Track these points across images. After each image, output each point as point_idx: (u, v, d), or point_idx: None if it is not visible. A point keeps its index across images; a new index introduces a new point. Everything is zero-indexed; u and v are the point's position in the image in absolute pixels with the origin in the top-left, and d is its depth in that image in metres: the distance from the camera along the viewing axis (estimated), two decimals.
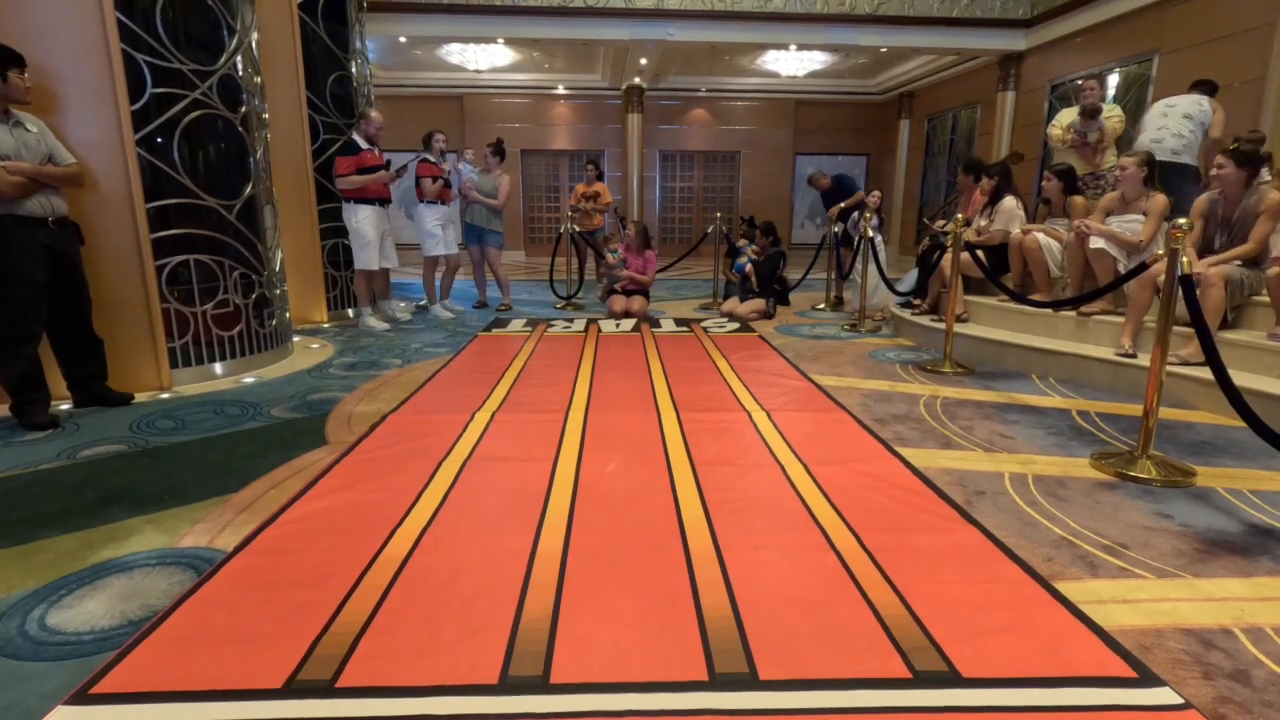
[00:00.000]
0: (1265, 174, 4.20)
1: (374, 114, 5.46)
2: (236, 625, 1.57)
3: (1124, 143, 5.84)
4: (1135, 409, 3.20)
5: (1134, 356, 3.71)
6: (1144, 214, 3.97)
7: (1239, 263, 3.55)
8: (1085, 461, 2.66)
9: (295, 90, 5.30)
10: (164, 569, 1.84)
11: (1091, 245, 4.04)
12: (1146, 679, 1.39)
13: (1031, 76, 9.10)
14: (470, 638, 1.52)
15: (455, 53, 10.35)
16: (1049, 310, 4.22)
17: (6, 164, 2.88)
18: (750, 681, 1.38)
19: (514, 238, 11.85)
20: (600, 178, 8.15)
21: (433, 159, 6.00)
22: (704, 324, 5.84)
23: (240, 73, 3.93)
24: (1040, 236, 4.56)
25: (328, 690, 1.35)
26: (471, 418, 3.15)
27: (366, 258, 5.39)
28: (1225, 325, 3.56)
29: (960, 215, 4.49)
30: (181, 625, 1.56)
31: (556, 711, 1.30)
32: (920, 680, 1.38)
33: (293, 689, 1.35)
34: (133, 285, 3.48)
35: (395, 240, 5.80)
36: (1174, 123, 4.84)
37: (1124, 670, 1.42)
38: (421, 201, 6.00)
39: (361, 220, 5.30)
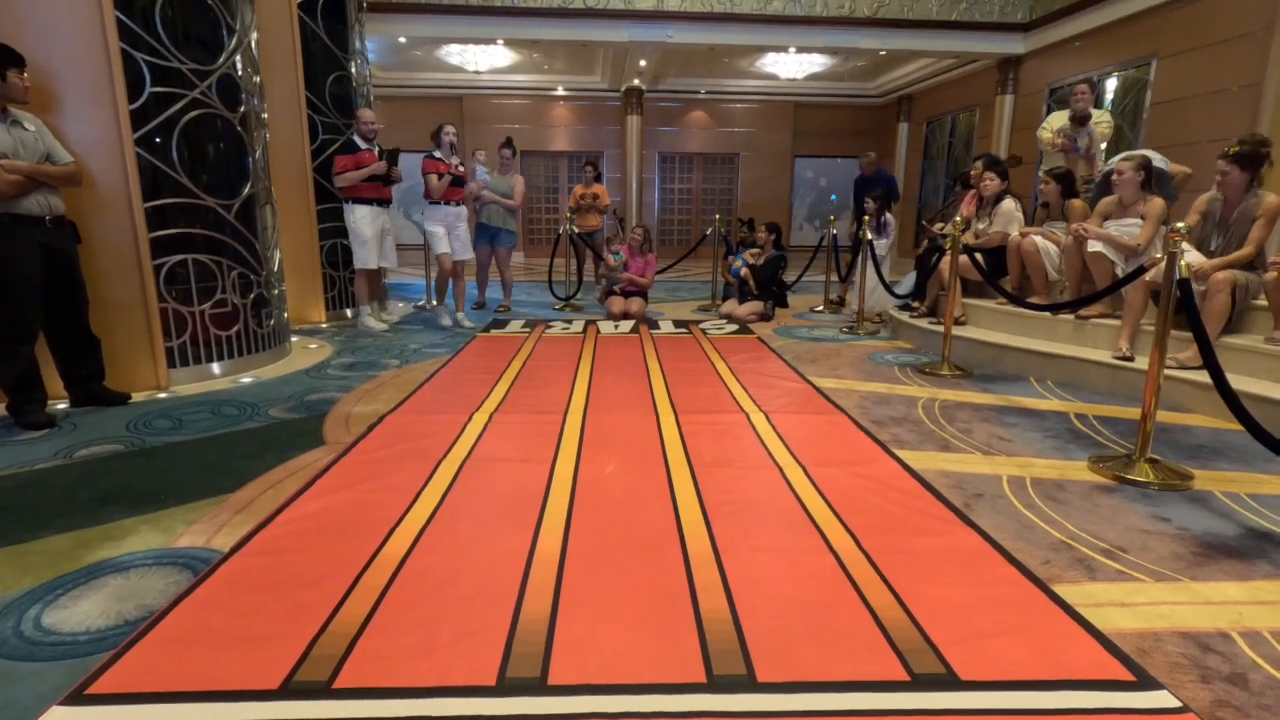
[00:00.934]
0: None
1: (364, 111, 5.45)
2: (233, 626, 1.56)
3: (1123, 146, 5.87)
4: (1133, 412, 3.21)
5: (1131, 359, 3.71)
6: (1141, 218, 3.98)
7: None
8: (1083, 464, 2.66)
9: (295, 90, 5.30)
10: (160, 569, 1.84)
11: (1089, 249, 4.05)
12: (1144, 682, 1.39)
13: (1030, 80, 9.12)
14: (468, 639, 1.51)
15: (455, 53, 10.36)
16: (1047, 313, 4.23)
17: (4, 163, 2.88)
18: (748, 684, 1.38)
19: None
20: (599, 179, 8.15)
21: (439, 154, 5.58)
22: (702, 325, 5.84)
23: (240, 72, 3.93)
24: (1038, 240, 4.57)
25: (324, 691, 1.35)
26: (470, 418, 3.14)
27: (364, 256, 5.38)
28: (1227, 329, 3.56)
29: (959, 218, 4.49)
30: (178, 626, 1.56)
31: (554, 713, 1.29)
32: (918, 683, 1.38)
33: (289, 690, 1.35)
34: (130, 284, 3.47)
35: (396, 240, 5.78)
36: None
37: (1122, 673, 1.42)
38: (429, 201, 5.63)
39: (359, 219, 5.31)
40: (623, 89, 11.72)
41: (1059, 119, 5.50)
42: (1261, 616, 1.66)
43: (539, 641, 1.51)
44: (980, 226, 5.08)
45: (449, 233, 5.69)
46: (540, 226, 13.21)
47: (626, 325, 5.79)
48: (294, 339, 4.86)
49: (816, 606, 1.66)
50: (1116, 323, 3.95)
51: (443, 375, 4.02)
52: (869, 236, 5.72)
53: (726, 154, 13.27)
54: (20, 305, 2.98)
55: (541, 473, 2.50)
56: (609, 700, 1.33)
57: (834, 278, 7.04)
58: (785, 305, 6.73)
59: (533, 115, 12.72)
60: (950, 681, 1.39)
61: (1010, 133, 9.39)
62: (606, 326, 5.72)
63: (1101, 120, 5.43)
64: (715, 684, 1.38)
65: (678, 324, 5.93)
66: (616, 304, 6.23)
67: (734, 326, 5.83)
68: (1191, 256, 3.41)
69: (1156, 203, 3.96)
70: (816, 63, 10.79)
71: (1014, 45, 8.99)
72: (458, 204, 5.76)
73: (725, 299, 6.78)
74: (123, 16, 3.32)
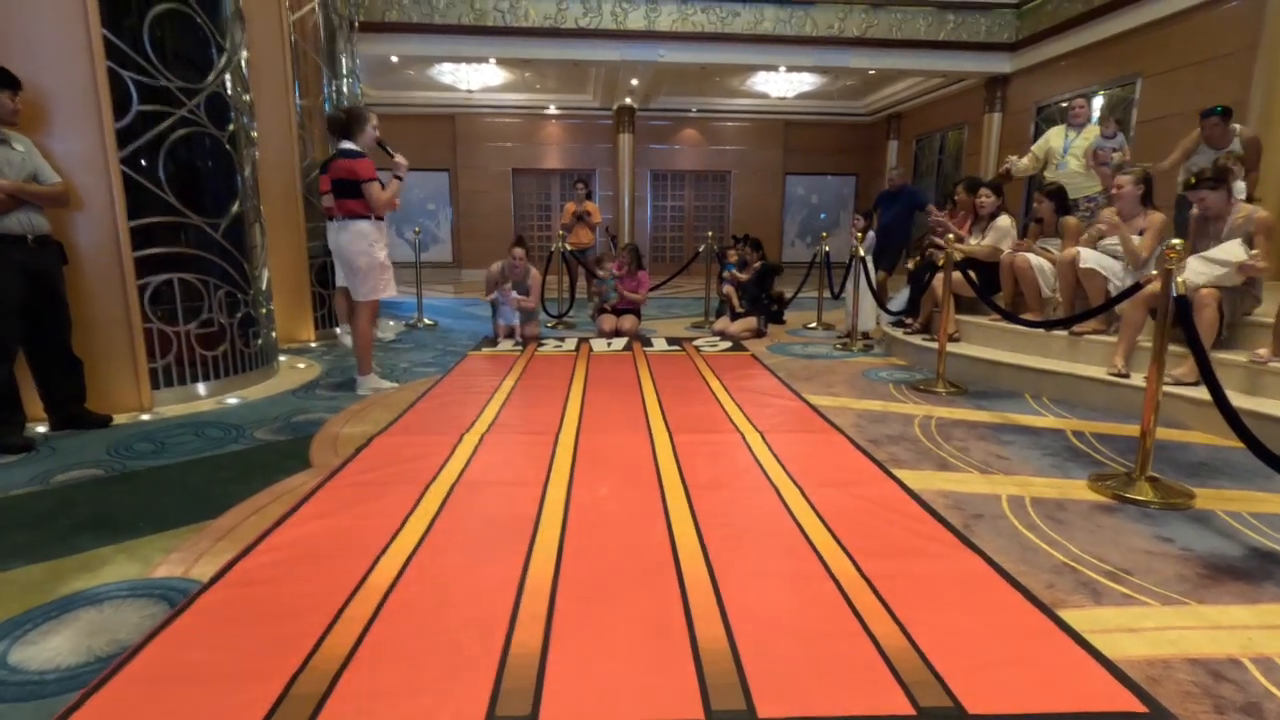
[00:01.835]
0: (1240, 188, 4.26)
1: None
2: (209, 662, 1.49)
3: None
4: (1130, 429, 3.18)
5: (1127, 376, 3.70)
6: (1141, 232, 3.98)
7: (1225, 270, 3.50)
8: (1083, 483, 2.63)
9: (285, 109, 5.27)
10: (136, 601, 1.77)
11: (1082, 265, 4.05)
12: (1157, 714, 1.34)
13: (1017, 99, 9.23)
14: (455, 676, 1.45)
15: (447, 72, 10.39)
16: (1041, 330, 4.22)
17: None
18: (748, 719, 1.32)
19: (505, 257, 11.74)
20: (590, 196, 8.14)
21: (363, 151, 3.92)
22: (696, 343, 5.80)
23: (229, 91, 3.90)
24: (1031, 257, 4.57)
25: None
26: (460, 439, 3.09)
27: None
28: (1219, 344, 3.55)
29: (950, 235, 4.49)
30: (151, 663, 1.49)
31: None
32: (925, 717, 1.33)
33: None
34: (114, 304, 3.41)
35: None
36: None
37: (1133, 704, 1.37)
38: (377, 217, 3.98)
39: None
40: (614, 107, 11.78)
41: (1059, 136, 5.68)
42: (1272, 642, 1.61)
43: (529, 676, 1.45)
44: (973, 242, 5.09)
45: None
46: (532, 244, 13.17)
47: (619, 343, 5.75)
48: (282, 358, 4.79)
49: (817, 635, 1.60)
50: (1110, 339, 3.94)
51: (433, 395, 3.96)
52: (860, 253, 5.72)
53: (718, 171, 13.34)
54: None
55: (533, 496, 2.44)
56: None
57: (826, 294, 7.04)
58: (781, 321, 6.70)
59: (525, 133, 12.76)
60: (958, 716, 1.33)
61: (999, 150, 9.47)
62: (599, 344, 5.68)
63: (1090, 137, 5.51)
64: (714, 719, 1.32)
65: (671, 341, 5.89)
66: (608, 321, 6.20)
67: (728, 343, 5.80)
68: (1190, 273, 3.41)
69: (1157, 216, 3.97)
70: (807, 81, 10.89)
71: (1001, 65, 9.11)
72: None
73: (719, 316, 6.76)
74: (110, 35, 3.29)
